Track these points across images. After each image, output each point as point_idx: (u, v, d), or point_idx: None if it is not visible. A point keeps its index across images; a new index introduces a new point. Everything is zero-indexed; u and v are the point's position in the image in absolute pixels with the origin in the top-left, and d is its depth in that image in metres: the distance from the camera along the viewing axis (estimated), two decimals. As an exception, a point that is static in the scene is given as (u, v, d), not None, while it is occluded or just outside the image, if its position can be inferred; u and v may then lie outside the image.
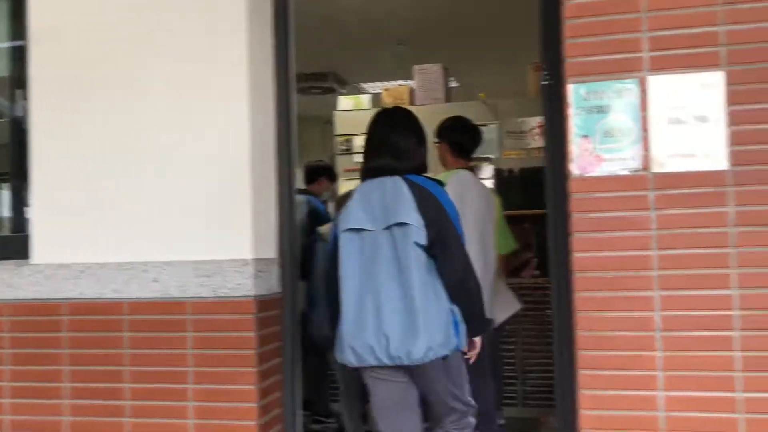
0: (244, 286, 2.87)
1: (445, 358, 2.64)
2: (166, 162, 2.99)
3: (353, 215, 2.69)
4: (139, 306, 2.97)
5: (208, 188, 2.95)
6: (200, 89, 2.98)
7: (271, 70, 3.15)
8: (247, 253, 2.89)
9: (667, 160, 2.52)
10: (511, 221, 5.30)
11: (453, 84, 7.99)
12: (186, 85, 3.00)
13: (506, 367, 4.97)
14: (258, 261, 2.92)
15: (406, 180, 2.73)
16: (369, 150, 2.89)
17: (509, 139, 5.63)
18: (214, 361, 2.89)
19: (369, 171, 2.82)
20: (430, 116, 5.80)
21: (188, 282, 2.93)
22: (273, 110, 3.14)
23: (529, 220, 5.27)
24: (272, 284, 3.03)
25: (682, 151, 2.51)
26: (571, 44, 2.61)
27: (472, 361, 2.89)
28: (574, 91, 2.59)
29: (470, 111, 5.75)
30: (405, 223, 2.61)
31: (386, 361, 2.58)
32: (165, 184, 2.99)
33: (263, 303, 2.93)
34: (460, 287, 2.68)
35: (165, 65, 3.01)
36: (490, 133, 5.67)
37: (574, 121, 2.59)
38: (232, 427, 2.86)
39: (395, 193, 2.67)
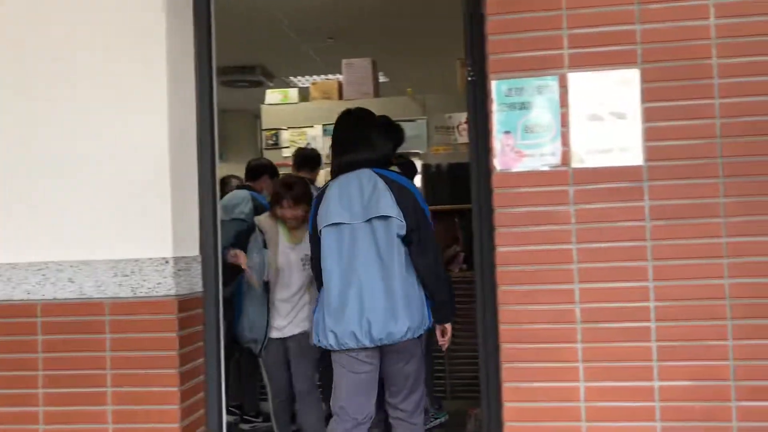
0: (164, 285, 2.79)
1: (420, 337, 2.98)
2: (82, 157, 2.87)
3: (333, 211, 2.96)
4: (53, 307, 2.84)
5: (125, 184, 2.85)
6: (117, 82, 2.87)
7: (193, 63, 3.06)
8: (167, 251, 2.81)
9: (586, 156, 2.57)
10: (440, 216, 5.37)
11: (382, 79, 8.00)
12: (102, 78, 2.88)
13: (435, 361, 5.01)
14: (179, 259, 2.84)
15: (380, 174, 2.99)
16: (345, 145, 3.13)
17: (437, 135, 5.66)
18: (134, 363, 2.79)
19: (348, 165, 3.05)
20: (358, 111, 5.84)
21: (106, 282, 2.82)
22: (194, 104, 3.06)
23: (457, 215, 5.33)
24: (194, 283, 2.96)
25: (601, 147, 2.57)
26: (493, 41, 2.63)
27: (444, 348, 3.24)
28: (496, 88, 2.61)
29: (398, 106, 5.79)
30: (387, 216, 2.90)
31: (367, 343, 2.87)
32: (80, 179, 2.87)
33: (184, 302, 2.86)
34: (433, 274, 2.99)
35: (80, 58, 2.89)
36: (417, 128, 5.71)
37: (497, 117, 2.62)
38: (154, 430, 2.77)
39: (373, 187, 2.94)
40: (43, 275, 2.85)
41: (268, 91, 6.17)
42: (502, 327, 2.59)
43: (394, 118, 5.68)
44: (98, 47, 2.88)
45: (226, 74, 8.15)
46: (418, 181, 5.51)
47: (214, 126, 3.13)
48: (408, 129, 5.69)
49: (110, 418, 2.79)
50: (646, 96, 2.56)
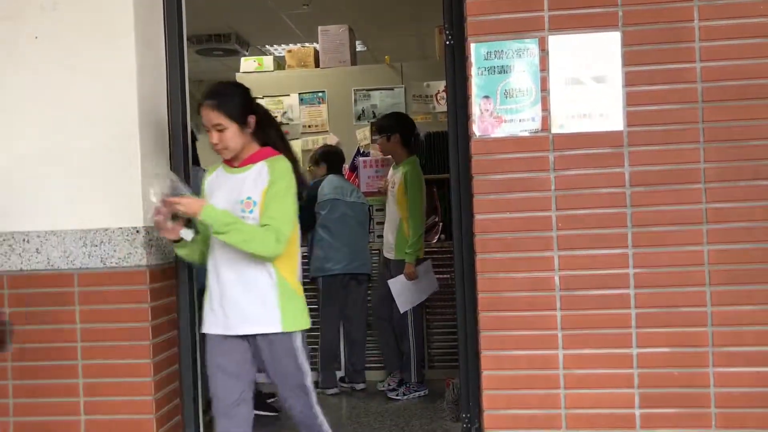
0: (135, 255, 2.72)
1: None
2: (48, 123, 2.77)
3: None
4: (20, 279, 2.76)
5: (94, 151, 2.76)
6: (85, 44, 2.76)
7: (162, 27, 2.95)
8: (137, 220, 2.73)
9: (566, 121, 2.52)
10: (418, 186, 5.32)
11: (359, 48, 7.88)
12: (70, 40, 2.77)
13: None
14: (150, 229, 2.77)
15: None
16: None
17: (415, 104, 5.58)
18: (106, 336, 2.73)
19: None
20: (335, 79, 5.74)
21: (75, 252, 2.74)
22: (164, 69, 2.96)
23: (435, 185, 5.28)
24: (166, 253, 2.88)
25: (581, 112, 2.52)
26: (471, 2, 2.56)
27: None
28: (475, 51, 2.55)
29: (376, 74, 5.71)
30: None
31: None
32: (46, 145, 2.77)
33: (156, 273, 2.79)
34: None
35: (46, 16, 2.77)
36: (395, 97, 5.62)
37: (476, 81, 2.55)
38: (126, 403, 2.72)
39: None
40: (9, 246, 2.76)
41: (243, 59, 6.04)
42: (480, 295, 2.56)
43: (371, 87, 5.68)
44: (62, 10, 2.76)
45: (200, 42, 7.99)
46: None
47: (186, 91, 3.03)
48: (386, 97, 5.64)
49: (82, 391, 2.73)
50: (627, 59, 2.51)
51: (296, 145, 5.27)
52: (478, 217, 2.56)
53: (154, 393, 2.72)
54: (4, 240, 2.77)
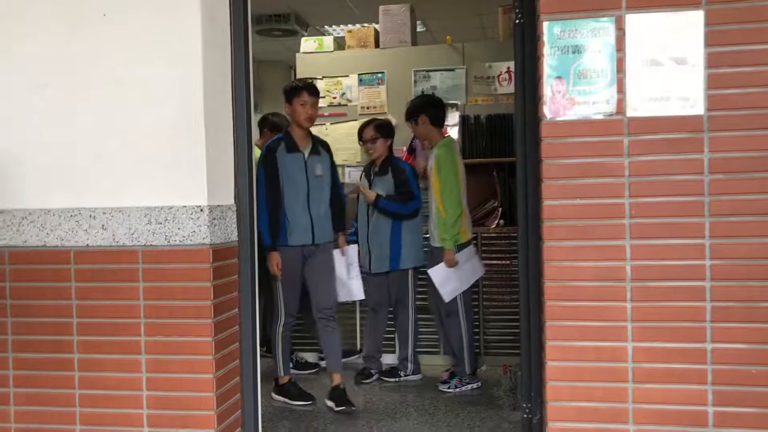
0: (198, 233, 2.72)
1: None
2: (115, 102, 2.79)
3: None
4: (86, 255, 2.80)
5: (159, 130, 2.77)
6: (148, 22, 2.77)
7: (227, 5, 2.93)
8: (201, 198, 2.73)
9: (643, 104, 2.41)
10: (477, 169, 5.24)
11: (420, 29, 7.77)
12: (135, 23, 2.78)
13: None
14: (214, 207, 2.77)
15: None
16: None
17: (476, 85, 5.46)
18: (168, 313, 2.75)
19: None
20: (395, 59, 5.66)
21: (139, 229, 2.76)
22: (229, 49, 2.94)
23: (495, 168, 5.18)
24: (229, 232, 2.89)
25: (659, 95, 2.40)
26: (545, -21, 2.46)
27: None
28: (548, 29, 2.45)
29: (437, 55, 5.61)
30: None
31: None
32: (114, 125, 2.79)
33: (219, 251, 2.79)
34: None
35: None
36: (456, 78, 5.52)
37: (548, 61, 2.46)
38: (187, 380, 2.74)
39: None
40: (77, 221, 2.80)
41: (303, 39, 6.00)
42: (546, 284, 2.48)
43: (431, 67, 5.60)
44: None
45: (260, 23, 8.03)
46: (454, 133, 5.37)
47: (249, 71, 3.01)
48: (446, 78, 5.54)
49: (144, 367, 2.76)
50: (710, 40, 2.37)
51: (354, 126, 5.22)
52: (546, 202, 2.47)
53: (215, 371, 2.74)
54: (71, 216, 2.81)
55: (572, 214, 2.46)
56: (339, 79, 5.72)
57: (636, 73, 2.41)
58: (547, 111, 2.46)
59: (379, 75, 5.66)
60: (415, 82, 5.58)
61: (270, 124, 5.26)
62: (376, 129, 4.63)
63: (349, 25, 8.29)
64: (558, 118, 2.46)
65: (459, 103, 5.48)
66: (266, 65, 10.30)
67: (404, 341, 4.70)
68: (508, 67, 5.34)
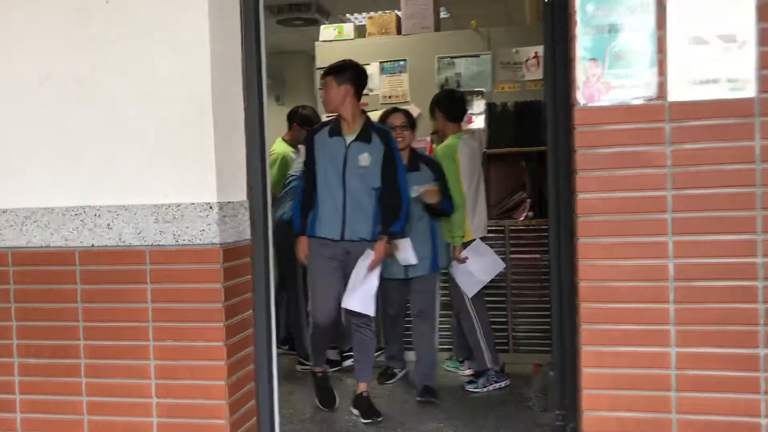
0: (208, 232, 2.57)
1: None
2: (118, 94, 2.64)
3: None
4: (92, 255, 2.66)
5: (166, 123, 2.61)
6: (156, 10, 2.61)
7: (237, -7, 2.77)
8: (211, 195, 2.58)
9: (687, 87, 2.20)
10: (505, 159, 5.03)
11: (444, 15, 7.55)
12: (137, 12, 2.62)
13: (497, 313, 4.75)
14: (224, 204, 2.61)
15: None
16: None
17: (503, 71, 5.24)
18: (177, 316, 2.60)
19: None
20: (418, 46, 5.46)
21: (146, 228, 2.62)
22: (239, 38, 2.77)
23: (523, 158, 4.97)
24: (241, 230, 2.73)
25: (704, 77, 2.19)
26: (578, -48, 2.25)
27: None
28: (580, 7, 2.24)
29: (461, 41, 5.39)
30: None
31: None
32: (118, 118, 2.64)
33: (230, 251, 2.63)
34: None
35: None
36: (481, 64, 5.30)
37: (581, 42, 2.25)
38: (198, 387, 2.59)
39: None
40: (81, 221, 2.66)
41: (323, 27, 5.81)
42: (581, 284, 2.29)
43: (456, 54, 5.38)
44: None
45: (280, 12, 7.86)
46: (480, 121, 5.16)
47: (262, 61, 2.84)
48: (471, 65, 5.33)
49: (153, 373, 2.62)
50: (763, 14, 2.15)
51: (375, 117, 5.02)
52: (580, 196, 2.27)
53: (228, 377, 2.59)
54: (76, 215, 2.67)
55: (609, 208, 2.26)
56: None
57: (678, 53, 2.19)
58: (581, 96, 2.26)
59: (402, 63, 5.46)
60: (439, 69, 5.37)
61: (300, 117, 5.07)
62: (407, 115, 4.26)
63: (371, 13, 8.11)
64: (592, 104, 2.26)
65: (485, 91, 5.26)
66: (288, 56, 10.15)
67: (426, 349, 4.24)
68: (536, 52, 5.11)
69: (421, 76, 5.40)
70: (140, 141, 2.62)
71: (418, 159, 4.21)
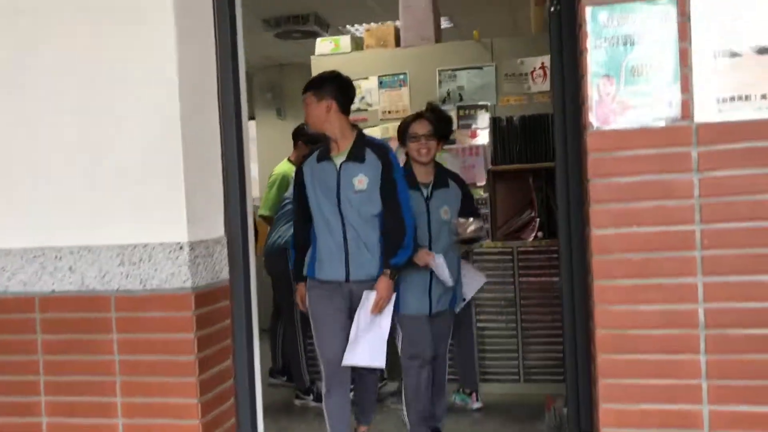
0: (178, 275, 2.30)
1: None
2: (75, 120, 2.38)
3: None
4: (52, 302, 2.40)
5: (131, 153, 2.35)
6: (115, 27, 2.35)
7: (211, 10, 2.51)
8: (181, 234, 2.31)
9: (716, 106, 1.92)
10: (512, 176, 4.75)
11: (446, 25, 7.29)
12: (97, 26, 2.36)
13: (506, 340, 4.48)
14: (196, 244, 2.35)
15: None
16: None
17: (507, 83, 4.98)
18: (147, 369, 2.33)
19: None
20: (418, 59, 5.21)
21: (111, 271, 2.35)
22: (213, 54, 2.52)
23: (531, 175, 4.69)
24: (217, 270, 2.46)
25: (736, 93, 1.91)
26: (587, -46, 1.98)
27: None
28: (591, 17, 1.97)
29: (463, 52, 5.15)
30: None
31: None
32: (76, 148, 2.38)
33: (204, 296, 2.36)
34: None
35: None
36: (484, 77, 5.04)
37: (592, 56, 1.98)
38: (171, 449, 2.32)
39: None
40: (41, 264, 2.40)
41: (319, 40, 5.59)
42: (598, 332, 2.00)
43: (457, 66, 5.13)
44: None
45: (278, 25, 7.65)
46: (485, 136, 4.89)
47: (240, 82, 2.59)
48: (474, 77, 5.07)
49: (121, 433, 2.35)
50: (802, 22, 1.87)
51: (375, 133, 4.77)
52: (595, 232, 1.99)
53: (203, 436, 2.32)
54: (35, 257, 2.41)
55: (628, 245, 1.98)
56: (358, 81, 5.26)
57: (706, 67, 1.91)
58: (594, 118, 1.98)
59: (401, 76, 5.22)
60: (440, 82, 5.12)
61: (305, 135, 4.75)
62: (432, 123, 3.60)
63: (372, 24, 7.87)
64: (607, 127, 1.98)
65: (489, 104, 5.00)
66: (289, 68, 9.91)
67: (440, 394, 3.77)
68: (543, 63, 4.84)
69: (421, 89, 5.16)
70: (103, 175, 2.36)
71: (445, 174, 3.65)
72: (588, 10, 1.97)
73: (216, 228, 2.50)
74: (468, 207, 3.67)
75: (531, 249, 4.52)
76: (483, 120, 4.94)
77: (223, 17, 2.52)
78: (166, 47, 2.31)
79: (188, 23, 2.38)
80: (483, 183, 4.71)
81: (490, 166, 4.67)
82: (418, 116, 3.66)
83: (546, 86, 4.82)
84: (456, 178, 3.73)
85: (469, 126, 4.87)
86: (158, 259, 2.32)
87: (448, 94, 5.06)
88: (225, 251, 2.51)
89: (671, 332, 1.96)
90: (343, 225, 3.14)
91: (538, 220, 4.61)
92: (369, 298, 3.11)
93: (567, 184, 2.12)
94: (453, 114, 4.96)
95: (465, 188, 3.71)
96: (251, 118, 10.20)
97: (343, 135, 3.22)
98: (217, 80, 2.53)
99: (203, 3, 2.49)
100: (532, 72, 4.93)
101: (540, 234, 4.57)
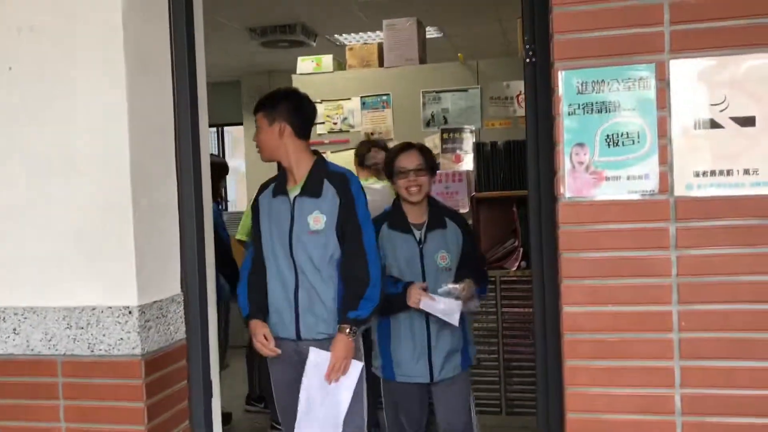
0: (127, 341, 2.17)
1: None
2: (16, 170, 2.24)
3: None
4: (-5, 365, 2.27)
5: (77, 207, 2.21)
6: (57, 63, 2.21)
7: (167, 25, 2.36)
8: (130, 298, 2.17)
9: (695, 180, 1.79)
10: (495, 204, 4.62)
11: (436, 35, 7.14)
12: (37, 64, 2.23)
13: (488, 372, 4.36)
14: (147, 307, 2.21)
15: None
16: None
17: (492, 107, 4.86)
18: (95, 439, 2.20)
19: None
20: (402, 80, 5.07)
21: (58, 334, 2.22)
22: (168, 85, 2.36)
23: (515, 203, 4.55)
24: (172, 331, 2.33)
25: (717, 167, 1.78)
26: (560, 13, 1.85)
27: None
28: (564, 81, 1.84)
29: (447, 73, 5.02)
30: None
31: None
32: (16, 202, 2.24)
33: (156, 361, 2.23)
34: None
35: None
36: (469, 99, 4.92)
37: (566, 122, 1.85)
38: None
39: None
40: (-17, 324, 2.27)
41: (300, 59, 5.46)
42: (569, 416, 1.88)
43: (442, 88, 5.00)
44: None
45: (264, 34, 7.51)
46: (468, 161, 4.75)
47: (198, 119, 2.44)
48: (458, 100, 4.94)
49: None
50: (788, 91, 1.74)
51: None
52: (566, 309, 1.87)
53: None
54: (-24, 317, 2.27)
55: (601, 325, 1.85)
56: (340, 102, 5.16)
57: (685, 138, 1.79)
58: (566, 189, 1.85)
59: (384, 97, 5.09)
60: (424, 104, 5.00)
61: None
62: (423, 153, 3.05)
63: (361, 33, 7.72)
64: (580, 198, 1.85)
65: (473, 128, 4.86)
66: (276, 75, 9.76)
67: None
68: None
69: (405, 111, 5.03)
70: (48, 227, 2.22)
71: (442, 213, 3.06)
72: (561, 75, 1.84)
73: (172, 284, 2.36)
74: (469, 253, 3.03)
75: (514, 278, 4.40)
76: (468, 143, 4.81)
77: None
78: (114, 72, 2.16)
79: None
80: (466, 210, 4.58)
81: (473, 193, 4.53)
82: (406, 147, 3.08)
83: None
84: (455, 216, 3.13)
85: (453, 150, 4.74)
86: (106, 323, 2.18)
87: (432, 116, 4.94)
88: (181, 310, 2.38)
89: (646, 417, 1.84)
90: (296, 272, 2.64)
91: (521, 249, 4.49)
92: (318, 360, 2.58)
93: (541, 257, 1.99)
94: (436, 138, 4.85)
95: (466, 228, 3.11)
96: (239, 123, 10.06)
97: (299, 164, 2.72)
98: (174, 126, 2.39)
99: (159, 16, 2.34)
100: (517, 96, 4.80)
101: (524, 263, 4.44)
